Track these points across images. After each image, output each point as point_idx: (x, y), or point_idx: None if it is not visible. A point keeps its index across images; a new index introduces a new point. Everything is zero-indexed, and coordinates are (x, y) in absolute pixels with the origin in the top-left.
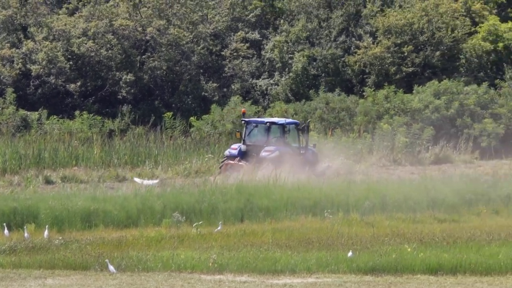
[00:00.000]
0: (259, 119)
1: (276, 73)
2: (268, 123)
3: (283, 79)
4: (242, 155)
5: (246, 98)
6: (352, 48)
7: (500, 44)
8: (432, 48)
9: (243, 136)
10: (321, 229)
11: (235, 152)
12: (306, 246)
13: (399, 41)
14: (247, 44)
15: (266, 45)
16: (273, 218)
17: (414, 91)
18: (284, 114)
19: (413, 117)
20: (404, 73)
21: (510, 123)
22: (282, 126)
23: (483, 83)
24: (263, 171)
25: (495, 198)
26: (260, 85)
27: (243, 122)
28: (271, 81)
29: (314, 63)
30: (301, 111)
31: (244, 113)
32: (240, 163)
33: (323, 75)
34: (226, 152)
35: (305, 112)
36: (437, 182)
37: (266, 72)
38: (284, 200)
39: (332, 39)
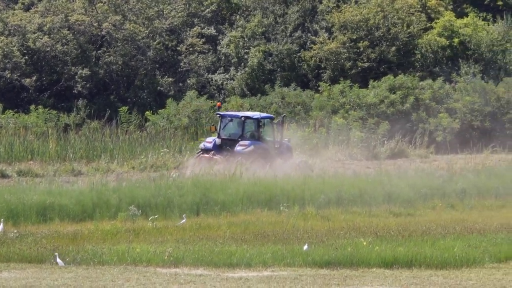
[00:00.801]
0: (234, 113)
1: (232, 68)
2: (243, 117)
3: (238, 74)
4: (217, 149)
5: (202, 93)
6: (308, 44)
7: (456, 40)
8: (387, 43)
9: (217, 130)
10: (277, 223)
11: (210, 145)
12: (262, 239)
13: (354, 37)
14: (203, 39)
15: (222, 40)
16: (229, 212)
17: (369, 86)
18: (239, 108)
19: (369, 112)
20: (359, 68)
21: (465, 118)
22: (257, 120)
23: (439, 78)
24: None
25: (450, 193)
26: (215, 80)
27: (218, 115)
28: (227, 76)
29: (270, 58)
30: (256, 106)
31: (219, 107)
32: (214, 156)
33: (278, 70)
34: (201, 146)
35: (261, 106)
36: (393, 177)
37: (222, 67)
38: (240, 194)
39: (288, 34)
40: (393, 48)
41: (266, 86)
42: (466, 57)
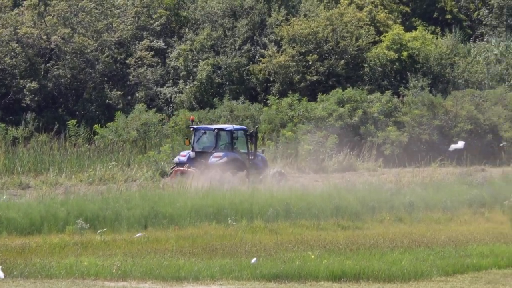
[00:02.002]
0: (208, 126)
1: (181, 81)
2: (216, 130)
3: (187, 87)
4: (191, 161)
5: (151, 106)
6: (256, 57)
7: (404, 53)
8: (336, 56)
9: (191, 143)
10: (225, 236)
11: (184, 158)
12: (210, 253)
13: (303, 50)
14: (152, 53)
15: (171, 53)
16: (177, 225)
17: (318, 99)
18: (188, 122)
19: (317, 125)
20: (308, 82)
21: (413, 132)
22: (231, 132)
23: (387, 91)
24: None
25: (398, 206)
26: (164, 93)
27: (191, 129)
28: (176, 89)
29: (219, 72)
30: (205, 119)
31: (192, 120)
32: (189, 169)
33: (227, 83)
34: (176, 159)
35: (209, 120)
36: (341, 190)
37: (171, 80)
38: (188, 208)
39: (237, 47)
40: (342, 62)
41: (214, 99)
42: (414, 70)
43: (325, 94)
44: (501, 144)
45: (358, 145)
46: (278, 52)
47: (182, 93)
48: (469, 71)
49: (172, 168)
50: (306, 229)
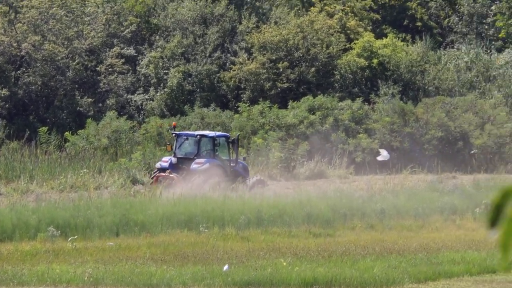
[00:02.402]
0: (190, 132)
1: (151, 88)
2: (198, 136)
3: (158, 94)
4: (173, 167)
5: (121, 113)
6: (227, 64)
7: (375, 61)
8: (307, 64)
9: (173, 149)
10: (197, 243)
11: (166, 164)
12: (182, 260)
13: (274, 57)
14: (123, 60)
15: (142, 60)
16: (149, 233)
17: (289, 107)
18: (159, 129)
19: (288, 132)
20: (279, 89)
21: (384, 139)
22: (212, 139)
23: (358, 98)
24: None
25: (369, 213)
26: (135, 100)
27: (173, 135)
28: (146, 96)
29: (190, 79)
30: (177, 127)
31: (174, 126)
32: (171, 175)
33: (198, 90)
34: (157, 165)
35: (180, 127)
36: (312, 197)
37: (141, 88)
38: (159, 215)
39: (207, 55)
40: (313, 69)
41: (185, 106)
42: (385, 77)
43: (296, 102)
44: (472, 151)
45: (329, 152)
46: (248, 59)
47: (153, 100)
48: (440, 78)
49: (154, 173)
50: (278, 237)
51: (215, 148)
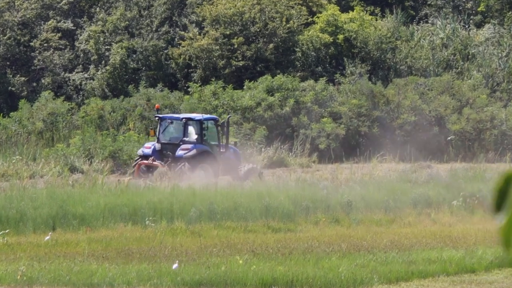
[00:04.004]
0: (175, 115)
1: (92, 66)
2: (184, 119)
3: (99, 73)
4: (157, 154)
5: (58, 94)
6: (176, 40)
7: (340, 36)
8: (265, 40)
9: (157, 134)
10: (142, 238)
11: (148, 151)
12: (126, 257)
13: (228, 32)
14: (59, 34)
15: (80, 35)
16: (89, 227)
17: (245, 87)
18: (100, 112)
19: (244, 116)
20: (233, 67)
21: (351, 124)
22: (200, 122)
23: (321, 78)
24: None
25: (335, 206)
26: (73, 80)
27: (156, 118)
28: (86, 75)
29: (134, 56)
30: (119, 109)
31: (158, 109)
32: (154, 162)
33: (143, 68)
34: (139, 152)
35: (124, 109)
36: (271, 188)
37: (81, 65)
38: (101, 207)
39: (153, 29)
40: (271, 45)
41: (129, 86)
42: (351, 55)
43: (252, 82)
44: (449, 138)
45: (290, 138)
46: (200, 34)
47: (93, 80)
48: (413, 56)
49: (135, 161)
50: (233, 231)
51: (202, 132)
